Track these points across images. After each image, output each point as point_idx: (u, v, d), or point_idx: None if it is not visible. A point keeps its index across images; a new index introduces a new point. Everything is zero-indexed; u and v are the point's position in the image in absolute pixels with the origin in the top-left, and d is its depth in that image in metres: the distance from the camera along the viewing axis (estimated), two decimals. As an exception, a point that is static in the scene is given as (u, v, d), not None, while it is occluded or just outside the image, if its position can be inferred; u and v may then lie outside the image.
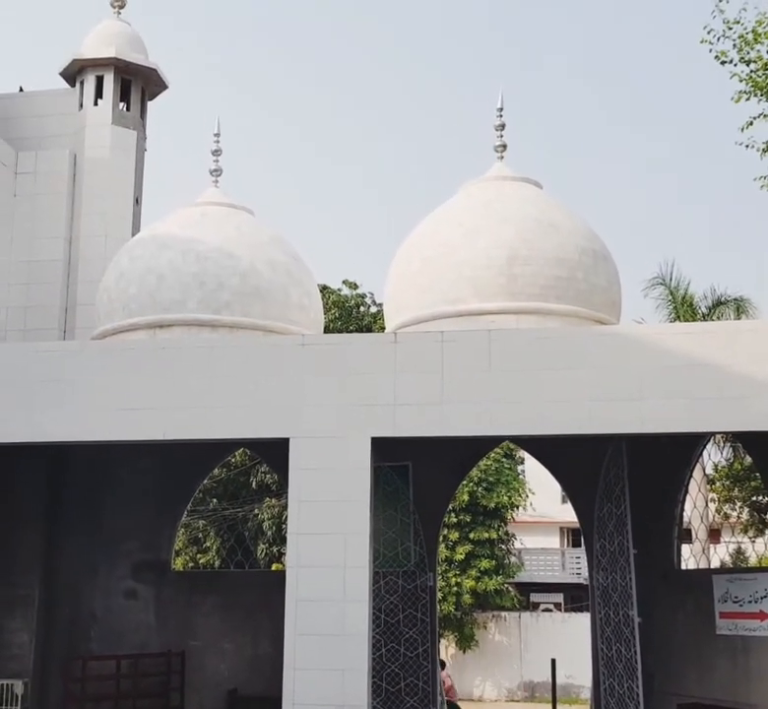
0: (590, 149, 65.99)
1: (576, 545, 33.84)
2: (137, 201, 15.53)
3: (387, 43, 68.29)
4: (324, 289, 25.33)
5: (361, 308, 27.93)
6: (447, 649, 25.02)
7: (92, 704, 13.02)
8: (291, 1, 67.14)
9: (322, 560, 10.21)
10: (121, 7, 16.54)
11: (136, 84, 16.03)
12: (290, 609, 10.19)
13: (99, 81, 15.74)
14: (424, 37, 67.78)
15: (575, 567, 31.78)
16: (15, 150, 14.99)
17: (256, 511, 25.01)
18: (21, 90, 16.07)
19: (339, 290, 28.11)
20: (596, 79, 66.33)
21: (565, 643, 22.70)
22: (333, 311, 26.13)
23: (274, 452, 12.09)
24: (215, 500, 25.79)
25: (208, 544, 25.86)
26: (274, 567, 23.81)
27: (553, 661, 18.55)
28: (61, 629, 13.84)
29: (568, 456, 13.35)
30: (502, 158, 13.58)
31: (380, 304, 26.24)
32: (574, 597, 30.45)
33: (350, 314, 27.42)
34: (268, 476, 24.09)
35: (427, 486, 13.18)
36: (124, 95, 15.93)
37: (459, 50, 67.52)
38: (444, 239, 12.60)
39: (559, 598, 31.70)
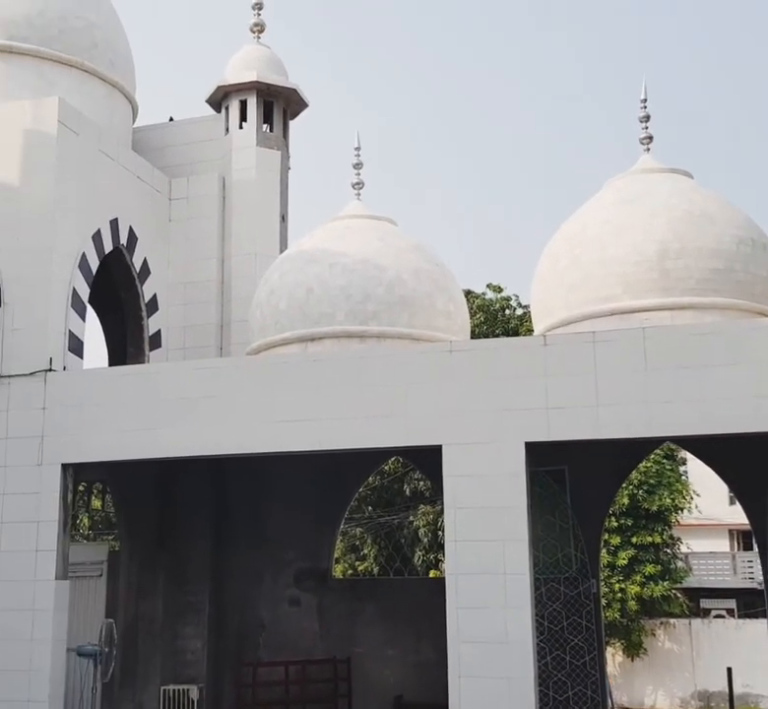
0: (735, 135, 63.77)
1: (747, 548, 32.65)
2: (283, 218, 15.92)
3: (513, 43, 67.89)
4: (468, 294, 25.31)
5: (507, 311, 27.74)
6: (614, 657, 24.52)
7: (262, 709, 13.36)
8: (418, 10, 67.54)
9: (481, 567, 10.20)
10: (260, 32, 16.99)
11: (278, 105, 16.44)
12: (452, 616, 10.21)
13: (243, 105, 16.21)
14: (551, 33, 67.09)
15: (747, 571, 30.64)
16: (168, 177, 15.60)
17: (411, 518, 25.16)
18: (171, 119, 16.71)
19: (483, 294, 28.03)
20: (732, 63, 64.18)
21: (741, 651, 21.95)
22: (478, 316, 26.05)
23: (427, 459, 12.17)
24: (370, 508, 26.07)
25: (365, 551, 26.15)
26: (431, 574, 23.88)
27: (729, 669, 17.98)
28: (231, 636, 14.27)
29: (735, 455, 12.87)
30: (648, 149, 13.36)
31: (526, 307, 26.04)
32: (747, 602, 29.36)
33: (495, 318, 27.28)
34: (421, 483, 24.21)
35: (585, 490, 12.98)
36: (267, 116, 16.36)
37: (593, 41, 66.51)
38: (592, 236, 12.44)
39: (732, 604, 30.58)
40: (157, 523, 14.36)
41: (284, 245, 15.65)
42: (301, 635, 14.49)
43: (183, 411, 11.81)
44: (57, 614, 11.83)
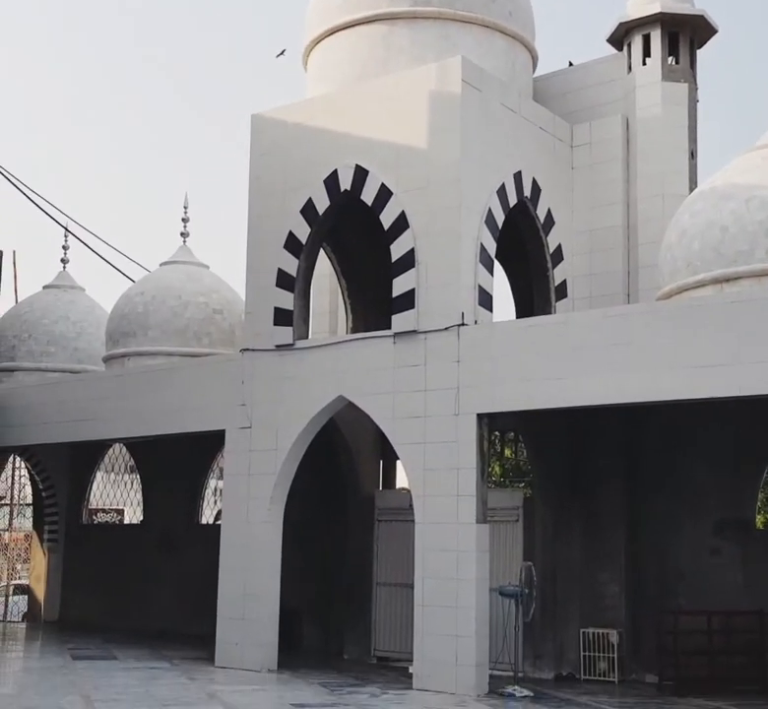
0: None
1: None
2: (692, 155, 15.26)
3: None
4: None
5: None
6: None
7: (685, 657, 13.21)
8: None
9: None
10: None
11: (683, 35, 15.69)
12: None
13: (646, 39, 15.64)
14: None
15: None
16: (569, 124, 15.51)
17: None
18: (570, 64, 16.54)
19: None
20: None
21: None
22: None
23: None
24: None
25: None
26: None
27: None
28: (649, 583, 14.21)
29: None
30: None
31: None
32: None
33: None
34: None
35: None
36: (672, 48, 15.68)
37: None
38: None
39: None
40: (569, 470, 14.58)
41: (693, 184, 15.03)
42: (723, 586, 14.08)
43: (593, 360, 11.89)
44: (479, 556, 12.46)
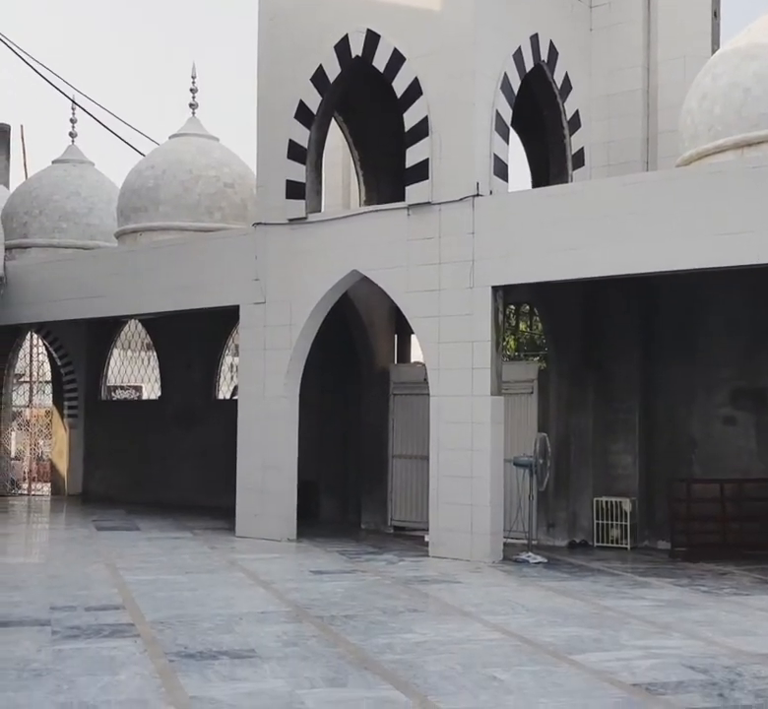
0: None
1: None
2: (715, 14, 14.62)
3: None
4: None
5: None
6: None
7: (697, 523, 13.43)
8: None
9: None
10: None
11: None
12: None
13: None
14: None
15: None
16: (589, -19, 14.87)
17: None
18: None
19: None
20: None
21: None
22: None
23: None
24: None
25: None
26: None
27: None
28: (661, 453, 14.33)
29: None
30: None
31: None
32: None
33: None
34: None
35: None
36: None
37: None
38: None
39: None
40: (584, 341, 14.55)
41: (716, 45, 14.45)
42: (736, 454, 14.20)
43: (611, 229, 11.70)
44: (494, 427, 12.54)
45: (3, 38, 21.78)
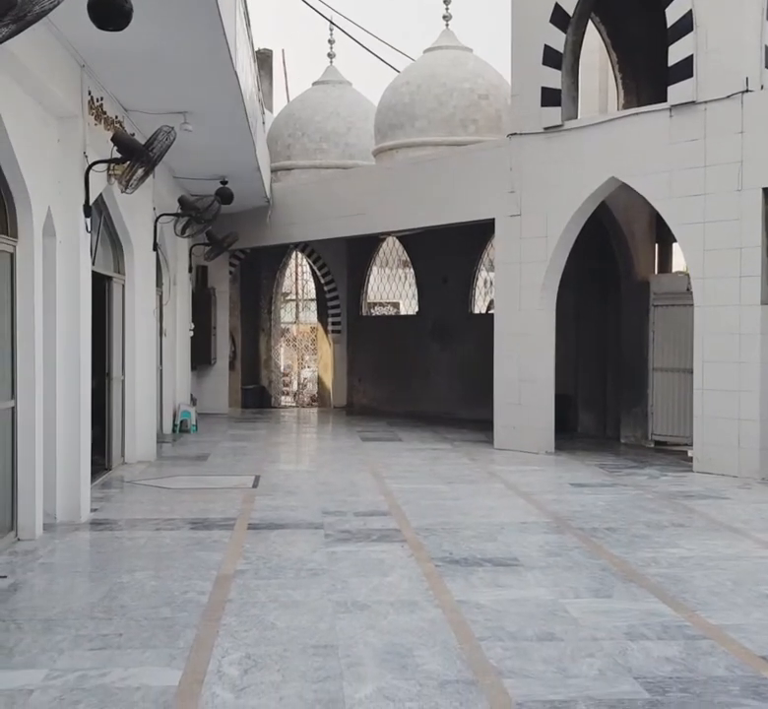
0: None
1: None
2: None
3: None
4: None
5: None
6: None
7: None
8: None
9: None
10: None
11: None
12: None
13: None
14: None
15: None
16: None
17: None
18: None
19: None
20: None
21: None
22: None
23: None
24: None
25: None
26: None
27: None
28: None
29: None
30: None
31: None
32: None
33: None
34: None
35: None
36: None
37: None
38: None
39: None
40: None
41: None
42: None
43: None
44: (764, 338, 11.92)
45: (259, -37, 22.30)
